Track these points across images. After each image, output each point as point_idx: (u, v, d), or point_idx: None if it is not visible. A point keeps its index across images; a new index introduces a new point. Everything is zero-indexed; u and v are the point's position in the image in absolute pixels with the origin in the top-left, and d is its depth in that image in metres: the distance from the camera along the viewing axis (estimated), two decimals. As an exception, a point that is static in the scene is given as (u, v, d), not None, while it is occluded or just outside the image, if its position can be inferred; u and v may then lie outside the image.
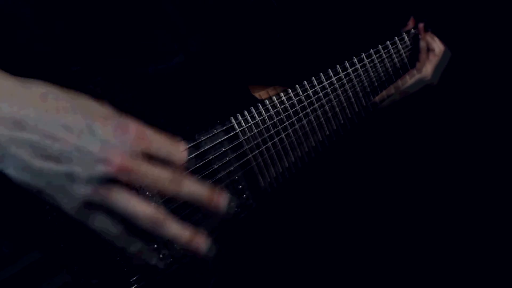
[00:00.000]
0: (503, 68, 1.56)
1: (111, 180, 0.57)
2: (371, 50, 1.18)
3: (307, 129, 1.04)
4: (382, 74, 1.21)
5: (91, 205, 0.59)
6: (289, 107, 1.01)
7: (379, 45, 1.21)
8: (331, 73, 1.09)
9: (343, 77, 1.11)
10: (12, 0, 0.75)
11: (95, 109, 0.60)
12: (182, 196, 0.62)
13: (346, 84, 1.12)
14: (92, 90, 0.75)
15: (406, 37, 1.28)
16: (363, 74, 1.16)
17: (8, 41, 0.75)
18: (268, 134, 0.98)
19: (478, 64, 1.53)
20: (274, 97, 0.99)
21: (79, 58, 0.79)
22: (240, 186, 0.94)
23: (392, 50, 1.24)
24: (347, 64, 1.12)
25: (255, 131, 0.95)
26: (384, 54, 1.21)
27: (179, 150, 0.63)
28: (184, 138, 0.86)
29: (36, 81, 0.58)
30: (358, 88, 1.15)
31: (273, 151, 0.99)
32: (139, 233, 0.63)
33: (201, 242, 0.64)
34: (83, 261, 0.71)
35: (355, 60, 1.14)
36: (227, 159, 0.91)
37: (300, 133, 1.03)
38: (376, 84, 1.20)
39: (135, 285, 0.78)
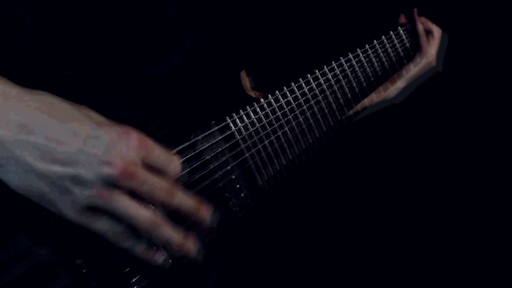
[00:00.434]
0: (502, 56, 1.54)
1: (113, 183, 0.60)
2: (367, 45, 1.19)
3: (304, 126, 1.04)
4: (386, 63, 1.21)
5: (94, 208, 0.61)
6: (285, 105, 1.01)
7: (374, 40, 1.21)
8: (327, 70, 1.09)
9: (338, 73, 1.11)
10: (7, 2, 0.75)
11: (98, 118, 0.64)
12: (173, 205, 0.67)
13: (342, 80, 1.12)
14: (86, 96, 0.76)
15: (401, 30, 1.27)
16: (359, 69, 1.16)
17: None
18: (264, 133, 0.98)
19: (476, 51, 1.51)
20: (269, 95, 0.99)
21: (72, 61, 0.79)
22: (238, 185, 0.94)
23: (395, 41, 1.24)
24: (343, 60, 1.12)
25: (251, 129, 0.95)
26: (387, 44, 1.22)
27: (175, 163, 0.68)
28: (180, 139, 0.86)
29: (41, 92, 0.61)
30: (354, 84, 1.15)
31: (270, 149, 0.99)
32: (140, 235, 0.67)
33: (191, 246, 0.70)
34: (81, 264, 0.72)
35: (351, 56, 1.14)
36: (224, 158, 0.91)
37: (297, 131, 1.03)
38: (381, 73, 1.20)
39: (135, 287, 0.78)
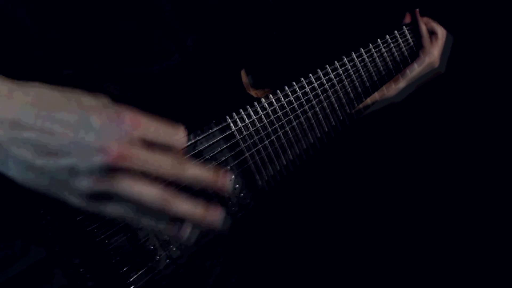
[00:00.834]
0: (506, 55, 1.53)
1: (111, 169, 0.58)
2: (370, 45, 1.17)
3: (305, 126, 1.04)
4: (389, 63, 1.20)
5: (97, 195, 0.59)
6: (286, 105, 1.00)
7: (378, 39, 1.19)
8: (329, 70, 1.08)
9: (341, 72, 1.10)
10: (7, 2, 0.75)
11: (89, 101, 0.61)
12: (185, 179, 0.63)
13: (345, 80, 1.11)
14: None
15: (406, 30, 1.26)
16: (362, 69, 1.15)
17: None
18: (265, 132, 0.97)
19: (480, 50, 1.49)
20: (270, 95, 0.98)
21: (71, 60, 0.78)
22: (237, 185, 0.93)
23: (400, 40, 1.23)
24: (346, 60, 1.11)
25: (251, 129, 0.95)
26: (391, 44, 1.20)
27: (179, 136, 0.64)
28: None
29: (31, 83, 0.59)
30: (357, 83, 1.14)
31: (270, 149, 0.98)
32: (157, 212, 0.63)
33: (215, 215, 0.64)
34: (78, 263, 0.72)
35: (354, 55, 1.13)
36: (224, 158, 0.91)
37: (298, 131, 1.03)
38: (384, 72, 1.19)
39: (133, 286, 0.78)
